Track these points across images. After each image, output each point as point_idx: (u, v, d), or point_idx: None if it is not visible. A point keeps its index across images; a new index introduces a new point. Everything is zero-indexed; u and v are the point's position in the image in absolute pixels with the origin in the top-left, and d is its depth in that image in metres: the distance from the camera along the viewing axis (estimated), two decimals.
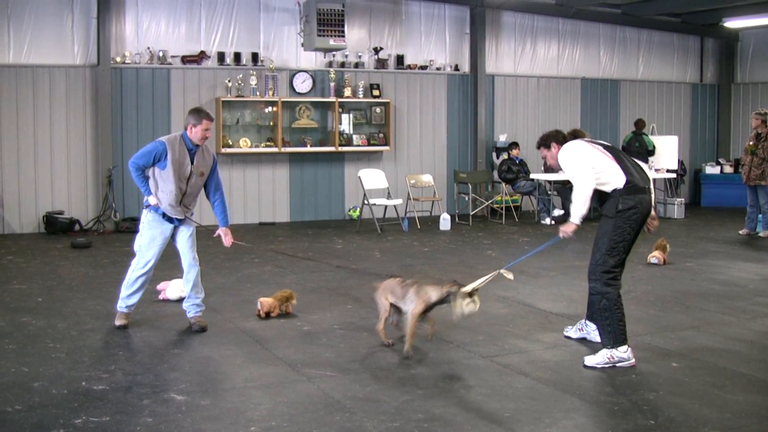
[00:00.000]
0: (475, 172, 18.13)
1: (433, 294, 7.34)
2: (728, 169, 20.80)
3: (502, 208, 17.40)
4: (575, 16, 19.62)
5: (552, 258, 12.52)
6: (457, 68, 18.41)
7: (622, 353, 7.12)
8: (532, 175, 17.44)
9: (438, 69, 18.19)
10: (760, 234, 14.89)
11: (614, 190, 7.18)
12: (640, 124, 18.87)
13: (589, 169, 7.19)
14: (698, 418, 5.95)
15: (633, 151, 18.77)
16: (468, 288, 7.16)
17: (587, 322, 7.89)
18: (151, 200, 8.08)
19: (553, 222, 16.65)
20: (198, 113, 8.08)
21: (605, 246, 7.27)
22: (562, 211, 17.32)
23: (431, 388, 6.52)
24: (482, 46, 18.41)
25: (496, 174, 18.05)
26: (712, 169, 21.15)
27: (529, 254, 8.79)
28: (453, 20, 18.38)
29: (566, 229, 7.46)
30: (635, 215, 7.18)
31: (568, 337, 8.00)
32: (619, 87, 20.72)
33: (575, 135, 7.77)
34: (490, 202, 17.55)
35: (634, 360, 7.14)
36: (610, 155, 7.32)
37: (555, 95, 19.79)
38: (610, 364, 7.08)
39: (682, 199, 18.73)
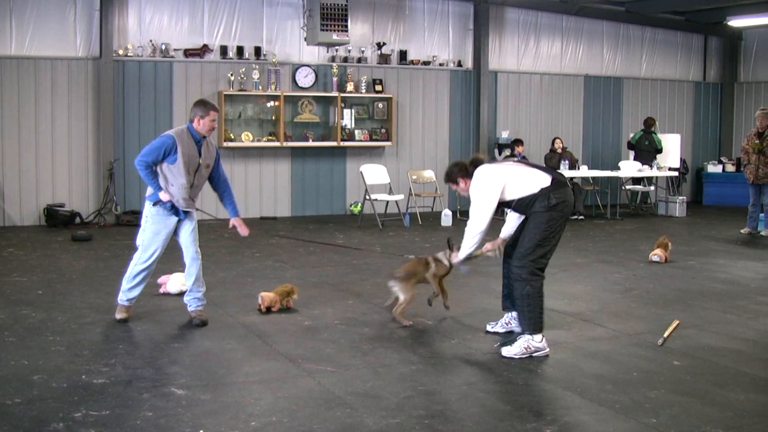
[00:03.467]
0: None
1: (445, 260, 8.43)
2: (730, 168, 20.78)
3: None
4: (579, 13, 19.59)
5: (553, 256, 12.49)
6: (460, 64, 18.39)
7: (538, 342, 7.29)
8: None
9: (441, 65, 18.17)
10: (762, 233, 14.88)
11: (541, 189, 7.35)
12: (649, 122, 18.85)
13: (494, 200, 7.50)
14: (700, 417, 5.93)
15: (642, 149, 18.77)
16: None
17: (514, 314, 7.97)
18: (164, 196, 8.01)
19: None
20: (204, 105, 8.08)
21: (538, 236, 7.44)
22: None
23: (432, 384, 6.50)
24: (485, 43, 18.38)
25: None
26: (714, 168, 21.14)
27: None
28: (456, 16, 18.36)
29: (453, 261, 8.18)
30: (566, 208, 7.50)
31: (495, 333, 8.06)
32: (623, 85, 20.70)
33: (476, 162, 7.78)
34: None
35: (548, 349, 7.34)
36: (522, 165, 7.69)
37: (558, 92, 19.77)
38: (527, 354, 7.24)
39: (684, 198, 18.71)
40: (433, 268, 8.42)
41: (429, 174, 17.02)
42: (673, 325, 7.82)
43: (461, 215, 16.87)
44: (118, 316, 8.32)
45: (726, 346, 7.81)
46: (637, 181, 19.12)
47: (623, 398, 6.28)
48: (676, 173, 19.14)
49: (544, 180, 7.36)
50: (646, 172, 18.35)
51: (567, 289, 10.26)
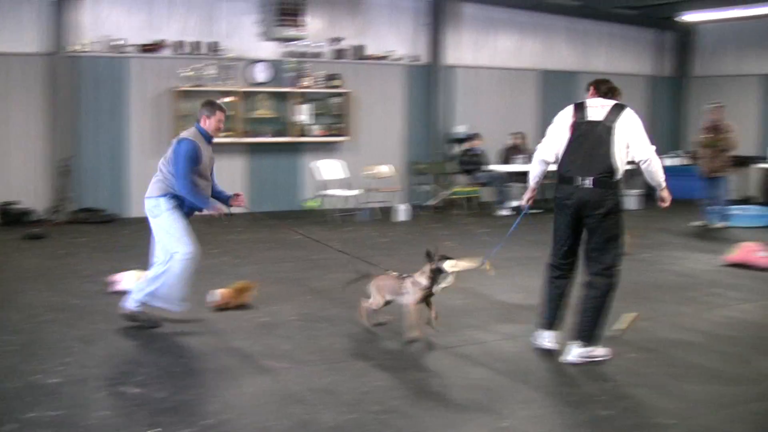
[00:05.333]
0: (434, 163, 18.14)
1: (423, 279, 7.55)
2: (685, 161, 20.95)
3: (460, 199, 17.44)
4: (535, 8, 19.65)
5: (510, 249, 12.55)
6: (416, 59, 18.39)
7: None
8: (490, 167, 17.47)
9: (398, 60, 18.16)
10: (716, 225, 15.01)
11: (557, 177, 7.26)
12: None
13: (544, 140, 7.40)
14: (655, 408, 6.00)
15: None
16: (449, 266, 7.50)
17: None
18: (223, 208, 8.30)
19: (512, 212, 16.73)
20: (211, 105, 8.13)
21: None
22: (520, 202, 17.39)
23: (389, 379, 6.54)
24: (442, 37, 18.40)
25: (455, 165, 18.04)
26: (669, 161, 21.29)
27: (507, 235, 8.99)
28: (413, 11, 18.34)
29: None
30: (563, 207, 7.22)
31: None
32: (579, 79, 20.77)
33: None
34: (448, 192, 17.56)
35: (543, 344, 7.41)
36: (569, 131, 7.23)
37: (514, 87, 19.82)
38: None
39: (640, 191, 18.83)
40: (407, 293, 7.67)
41: (386, 169, 17.01)
42: (630, 317, 7.90)
43: (418, 210, 16.90)
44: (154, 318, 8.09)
45: (680, 338, 7.91)
46: None
47: (578, 391, 6.35)
48: (632, 166, 19.24)
49: (556, 164, 7.29)
50: None
51: (524, 282, 10.31)
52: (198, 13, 16.07)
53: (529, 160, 17.39)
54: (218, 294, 8.75)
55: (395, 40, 18.14)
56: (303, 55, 16.94)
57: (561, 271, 7.34)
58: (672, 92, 22.49)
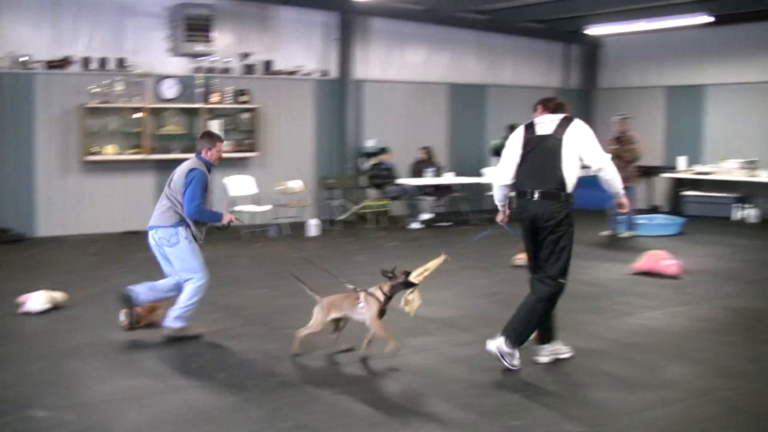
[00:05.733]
0: (344, 178, 18.19)
1: (379, 293, 7.63)
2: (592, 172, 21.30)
3: (370, 214, 17.50)
4: (443, 23, 19.83)
5: (420, 263, 12.62)
6: (325, 74, 18.43)
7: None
8: (400, 180, 17.56)
9: (307, 74, 18.17)
10: (623, 235, 15.29)
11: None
12: (512, 129, 19.17)
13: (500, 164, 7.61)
14: (564, 416, 6.12)
15: None
16: (413, 276, 7.66)
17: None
18: (230, 216, 8.81)
19: (423, 225, 16.86)
20: (210, 137, 8.71)
21: None
22: (431, 215, 17.52)
23: (300, 395, 6.55)
24: (351, 52, 18.47)
25: (365, 179, 18.10)
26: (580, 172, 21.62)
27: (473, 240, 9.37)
28: (322, 25, 18.38)
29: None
30: (522, 222, 7.44)
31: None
32: (487, 92, 21.04)
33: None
34: (358, 207, 17.61)
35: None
36: (521, 149, 7.41)
37: (423, 100, 19.97)
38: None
39: None
40: (361, 308, 7.64)
41: (296, 184, 16.99)
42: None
43: (329, 225, 16.90)
44: (195, 332, 8.44)
45: (589, 347, 8.06)
46: None
47: (489, 402, 6.43)
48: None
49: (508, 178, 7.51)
50: None
51: (433, 295, 10.34)
52: (105, 28, 15.87)
53: (438, 173, 17.70)
54: (127, 313, 8.65)
55: (304, 54, 18.16)
56: (212, 70, 16.86)
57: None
58: (579, 104, 22.82)
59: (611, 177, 7.39)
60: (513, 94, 21.31)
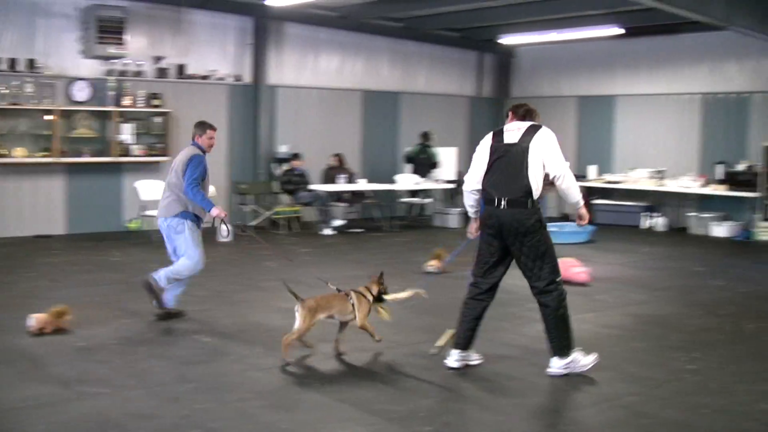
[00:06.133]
0: (256, 183, 18.16)
1: (369, 294, 8.08)
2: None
3: (283, 219, 17.50)
4: (358, 29, 19.92)
5: (331, 269, 12.71)
6: (239, 79, 18.38)
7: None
8: (312, 186, 17.58)
9: (220, 79, 18.11)
10: None
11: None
12: (426, 136, 19.41)
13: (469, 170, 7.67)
14: (474, 422, 6.24)
15: (419, 162, 19.31)
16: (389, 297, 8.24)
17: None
18: (219, 212, 9.50)
19: (335, 232, 16.91)
20: (202, 125, 9.62)
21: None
22: (343, 222, 17.58)
23: (209, 402, 6.55)
24: (265, 57, 18.45)
25: (277, 185, 18.08)
26: None
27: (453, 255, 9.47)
28: (236, 30, 18.32)
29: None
30: (486, 228, 7.54)
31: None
32: (401, 99, 21.16)
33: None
34: (271, 213, 17.59)
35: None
36: (488, 156, 7.51)
37: (337, 107, 20.02)
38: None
39: (461, 209, 19.29)
40: (353, 309, 7.99)
41: (210, 189, 16.85)
42: (448, 334, 8.11)
43: (242, 230, 16.82)
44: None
45: (498, 353, 8.18)
46: (414, 193, 19.64)
47: (399, 408, 6.49)
48: (453, 185, 19.69)
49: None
50: (423, 184, 18.91)
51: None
52: (15, 28, 15.61)
53: (350, 180, 17.77)
54: (34, 319, 8.57)
55: (218, 59, 18.09)
56: (124, 73, 16.71)
57: (478, 290, 7.66)
58: (492, 113, 23.09)
59: (568, 187, 7.42)
60: (427, 102, 21.51)
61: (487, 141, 7.58)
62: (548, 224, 15.50)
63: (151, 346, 8.20)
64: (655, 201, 19.35)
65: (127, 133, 16.58)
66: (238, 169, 18.31)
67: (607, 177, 20.18)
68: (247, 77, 18.47)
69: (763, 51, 17.75)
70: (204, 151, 9.52)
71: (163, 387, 6.94)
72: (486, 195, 7.45)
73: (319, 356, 7.96)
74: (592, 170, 20.28)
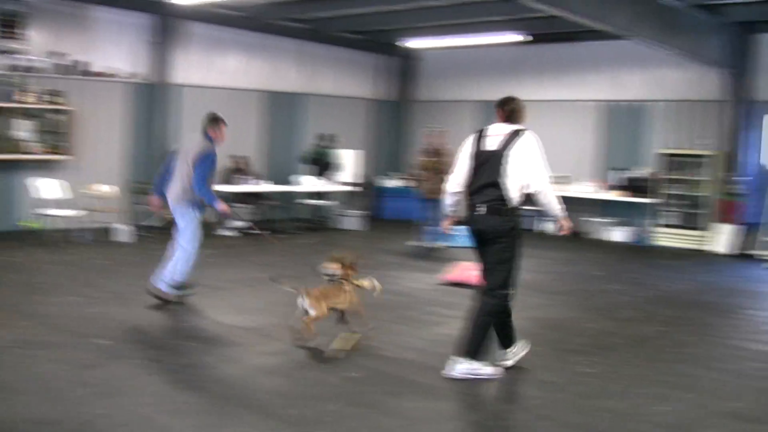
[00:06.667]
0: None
1: (366, 283, 8.87)
2: (405, 183, 21.63)
3: None
4: (263, 30, 19.86)
5: (235, 270, 12.67)
6: (142, 77, 18.15)
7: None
8: (214, 186, 17.41)
9: (123, 77, 17.86)
10: (433, 246, 15.57)
11: None
12: (322, 138, 19.43)
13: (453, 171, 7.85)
14: (376, 427, 6.27)
15: (321, 164, 19.32)
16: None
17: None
18: (222, 207, 10.21)
19: (235, 233, 16.81)
20: (215, 119, 10.42)
21: None
22: (244, 223, 17.48)
23: (109, 407, 6.47)
24: (169, 56, 18.26)
25: None
26: (391, 183, 21.98)
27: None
28: (140, 28, 18.07)
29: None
30: (470, 234, 7.73)
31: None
32: (305, 101, 21.15)
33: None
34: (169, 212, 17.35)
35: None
36: (471, 160, 7.68)
37: (242, 107, 19.90)
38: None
39: (363, 212, 19.37)
40: (348, 295, 8.63)
41: (109, 189, 16.65)
42: (352, 337, 8.14)
43: (142, 230, 16.63)
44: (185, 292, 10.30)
45: (399, 356, 8.24)
46: (315, 195, 19.64)
47: (301, 413, 6.49)
48: (354, 188, 19.74)
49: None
50: (325, 186, 18.94)
51: (247, 304, 10.45)
52: None
53: (252, 181, 17.67)
54: None
55: (122, 57, 17.84)
56: (24, 69, 16.36)
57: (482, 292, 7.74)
58: (395, 116, 23.26)
59: (547, 201, 7.56)
60: (332, 104, 21.56)
61: (468, 145, 7.74)
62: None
63: (49, 350, 8.07)
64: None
65: (25, 130, 16.24)
66: (140, 168, 18.04)
67: None
68: (151, 76, 18.25)
69: (662, 61, 18.19)
70: (213, 144, 10.24)
71: (63, 391, 6.84)
72: (468, 201, 7.63)
73: (214, 359, 7.94)
74: None
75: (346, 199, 20.15)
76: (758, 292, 13.09)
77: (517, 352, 7.97)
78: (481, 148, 7.58)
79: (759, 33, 17.48)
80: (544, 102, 20.55)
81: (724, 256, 16.83)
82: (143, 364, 7.69)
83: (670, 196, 18.22)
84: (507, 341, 7.91)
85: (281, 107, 20.70)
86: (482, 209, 7.45)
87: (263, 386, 7.19)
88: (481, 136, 7.71)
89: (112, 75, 17.64)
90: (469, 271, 12.02)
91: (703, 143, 18.09)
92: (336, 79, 22.00)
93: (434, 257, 14.80)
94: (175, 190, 10.12)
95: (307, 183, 18.92)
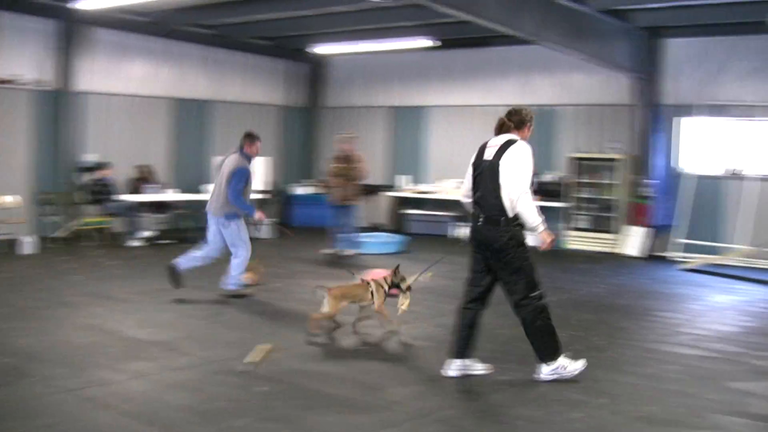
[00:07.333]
0: (62, 193, 17.48)
1: (385, 284, 9.41)
2: (315, 190, 21.47)
3: (89, 231, 16.89)
4: (169, 36, 19.55)
5: (141, 282, 12.39)
6: (44, 84, 17.67)
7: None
8: (120, 197, 17.07)
9: (24, 84, 17.35)
10: (346, 253, 15.43)
11: None
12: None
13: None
14: None
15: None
16: (409, 281, 9.62)
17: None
18: (261, 215, 11.45)
19: (144, 243, 16.47)
20: (251, 136, 11.48)
21: None
22: (152, 233, 17.14)
23: (12, 429, 6.17)
24: (73, 62, 17.82)
25: (84, 194, 17.45)
26: (301, 190, 21.80)
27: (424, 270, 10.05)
28: (42, 33, 17.59)
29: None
30: (470, 242, 7.86)
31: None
32: (212, 108, 20.87)
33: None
34: (77, 223, 16.96)
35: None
36: (473, 170, 7.77)
37: (147, 114, 19.56)
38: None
39: (273, 220, 19.12)
40: (372, 296, 9.31)
41: (10, 199, 16.17)
42: (264, 349, 7.94)
43: (45, 242, 16.17)
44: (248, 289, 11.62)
45: (312, 369, 8.06)
46: None
47: (210, 429, 6.31)
48: (264, 195, 19.51)
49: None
50: None
51: (152, 317, 10.19)
52: None
53: (158, 190, 17.34)
54: None
55: (23, 63, 17.33)
56: None
57: (468, 298, 7.88)
58: (304, 122, 23.13)
59: (522, 210, 7.48)
60: (239, 111, 21.34)
61: (474, 155, 7.82)
62: (360, 234, 15.64)
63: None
64: (462, 211, 19.63)
65: None
66: (43, 178, 17.56)
67: (420, 187, 20.42)
68: (54, 83, 17.78)
69: (571, 65, 18.31)
70: (249, 158, 11.30)
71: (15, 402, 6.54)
72: (471, 211, 7.74)
73: (123, 375, 7.69)
74: (403, 180, 20.67)
75: (257, 206, 19.84)
76: (670, 294, 13.18)
77: (559, 370, 7.89)
78: (481, 159, 7.67)
79: (666, 38, 17.74)
80: (453, 107, 20.62)
81: (636, 258, 16.96)
82: (47, 383, 7.39)
83: (581, 199, 18.40)
84: (468, 351, 7.97)
85: (189, 114, 20.39)
86: (481, 220, 7.59)
87: (171, 402, 6.96)
88: (484, 146, 7.76)
89: (11, 82, 17.12)
90: (381, 276, 11.90)
91: (613, 147, 18.25)
92: (245, 86, 21.77)
93: (347, 264, 14.62)
94: (214, 204, 11.24)
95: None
